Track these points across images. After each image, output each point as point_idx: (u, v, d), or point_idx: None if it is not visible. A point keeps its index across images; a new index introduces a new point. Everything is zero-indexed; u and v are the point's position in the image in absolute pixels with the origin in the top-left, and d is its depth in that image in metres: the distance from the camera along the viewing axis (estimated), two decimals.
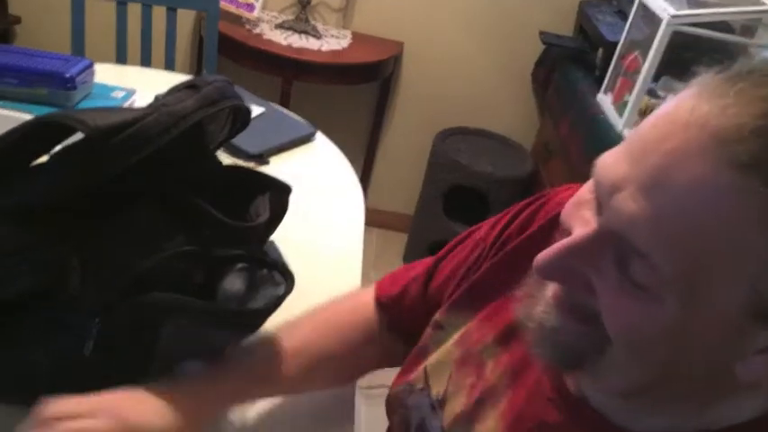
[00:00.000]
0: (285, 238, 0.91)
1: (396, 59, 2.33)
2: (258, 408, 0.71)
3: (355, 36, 2.30)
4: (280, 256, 0.96)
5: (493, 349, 0.62)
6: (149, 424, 0.58)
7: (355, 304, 0.79)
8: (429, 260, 0.76)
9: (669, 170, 0.40)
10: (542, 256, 0.46)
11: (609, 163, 0.44)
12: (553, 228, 0.52)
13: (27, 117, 0.77)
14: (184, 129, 0.62)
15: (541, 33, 2.17)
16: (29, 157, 0.64)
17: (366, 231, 1.11)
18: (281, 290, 0.66)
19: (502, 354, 0.61)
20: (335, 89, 2.40)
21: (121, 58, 1.82)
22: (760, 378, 0.43)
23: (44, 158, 0.65)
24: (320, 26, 2.31)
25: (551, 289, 0.49)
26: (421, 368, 0.67)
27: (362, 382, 0.80)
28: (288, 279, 0.67)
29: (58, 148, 0.64)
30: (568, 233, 0.47)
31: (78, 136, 0.58)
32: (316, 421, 0.74)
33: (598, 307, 0.45)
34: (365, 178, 2.55)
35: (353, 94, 2.44)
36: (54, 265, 0.60)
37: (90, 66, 1.14)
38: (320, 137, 1.32)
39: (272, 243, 0.93)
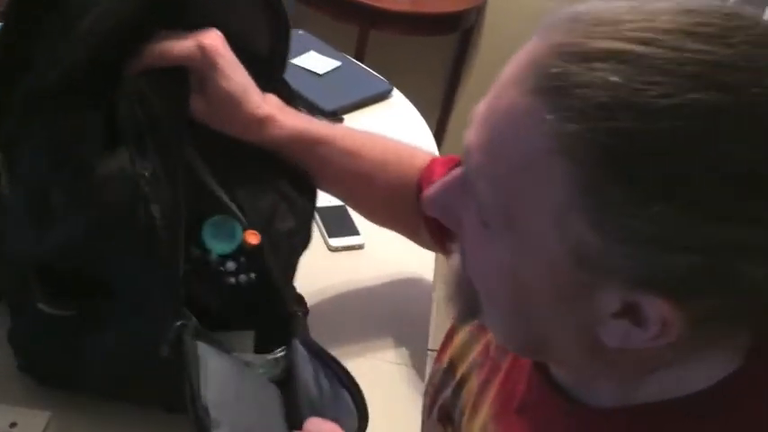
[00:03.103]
0: None
1: (478, 11, 2.22)
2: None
3: None
4: (349, 218, 0.93)
5: None
6: None
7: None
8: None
9: (496, 100, 0.40)
10: (427, 190, 0.48)
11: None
12: None
13: None
14: None
15: None
16: None
17: None
18: None
19: None
20: (412, 40, 2.31)
21: None
22: (623, 344, 0.39)
23: None
24: None
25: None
26: (449, 350, 0.67)
27: (432, 344, 0.78)
28: None
29: None
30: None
31: None
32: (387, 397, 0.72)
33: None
34: (438, 136, 2.47)
35: (431, 46, 2.35)
36: None
37: None
38: (396, 93, 1.27)
39: (344, 206, 0.89)
